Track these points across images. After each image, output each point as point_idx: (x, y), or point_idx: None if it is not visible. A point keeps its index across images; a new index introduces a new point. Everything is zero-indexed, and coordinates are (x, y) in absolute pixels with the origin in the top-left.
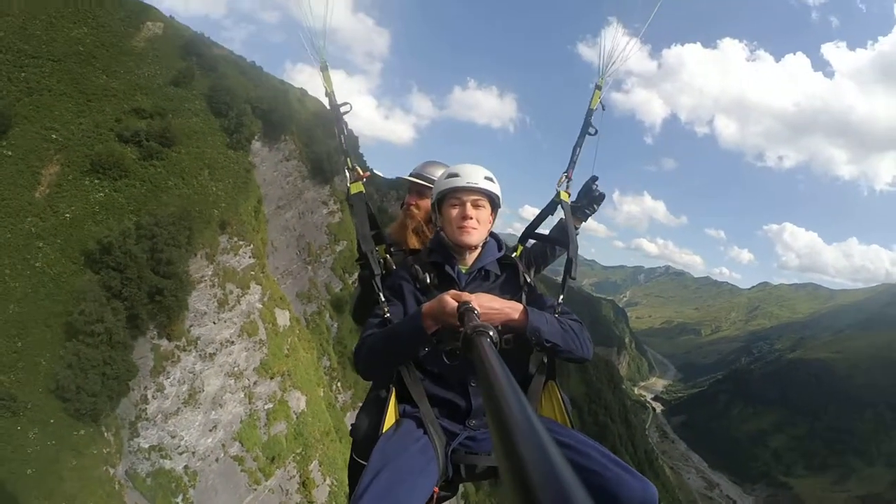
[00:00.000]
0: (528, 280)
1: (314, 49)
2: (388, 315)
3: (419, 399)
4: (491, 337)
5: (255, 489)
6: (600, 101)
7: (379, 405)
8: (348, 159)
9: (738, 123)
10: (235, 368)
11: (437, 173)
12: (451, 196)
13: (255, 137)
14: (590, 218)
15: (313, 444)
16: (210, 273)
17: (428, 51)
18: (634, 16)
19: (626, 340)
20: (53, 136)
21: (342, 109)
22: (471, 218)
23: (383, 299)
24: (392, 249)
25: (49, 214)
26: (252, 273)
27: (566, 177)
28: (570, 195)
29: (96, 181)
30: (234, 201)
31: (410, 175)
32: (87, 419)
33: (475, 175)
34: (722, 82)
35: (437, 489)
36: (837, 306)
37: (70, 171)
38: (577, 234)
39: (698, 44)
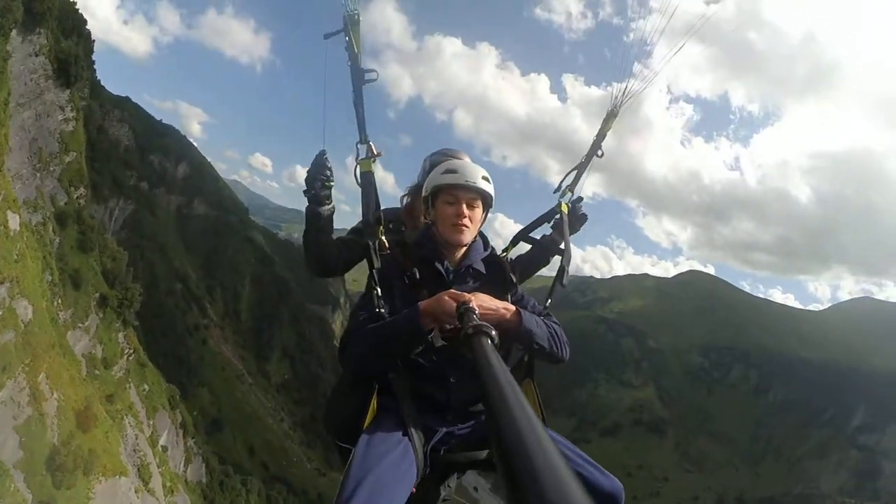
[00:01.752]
0: (514, 279)
1: None
2: (382, 310)
3: (402, 395)
4: (492, 338)
5: None
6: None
7: (360, 396)
8: (364, 135)
9: (474, 118)
10: None
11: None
12: (447, 193)
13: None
14: None
15: (41, 356)
16: None
17: None
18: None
19: (341, 300)
20: None
21: (366, 77)
22: (466, 217)
23: (379, 293)
24: (391, 226)
25: None
26: None
27: (570, 191)
28: (569, 208)
29: None
30: None
31: (441, 158)
32: None
33: (474, 174)
34: (470, 79)
35: (414, 489)
36: (531, 289)
37: None
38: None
39: (460, 39)
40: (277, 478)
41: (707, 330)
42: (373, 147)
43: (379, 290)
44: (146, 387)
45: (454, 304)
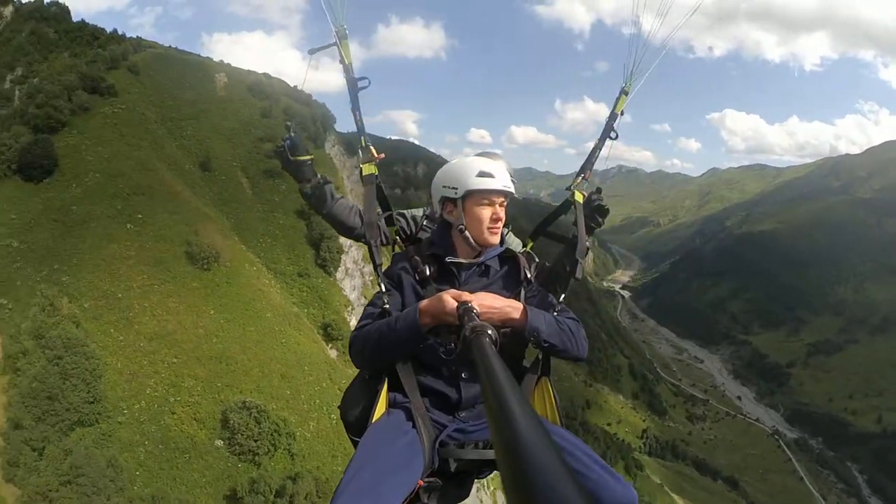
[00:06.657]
0: (529, 275)
1: (332, 16)
2: (388, 306)
3: (410, 390)
4: (490, 336)
5: None
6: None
7: (370, 391)
8: (363, 138)
9: (662, 20)
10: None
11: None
12: (482, 196)
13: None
14: (536, 131)
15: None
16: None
17: None
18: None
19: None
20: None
21: (359, 85)
22: (501, 220)
23: (384, 289)
24: (425, 224)
25: None
26: None
27: (583, 178)
28: (584, 196)
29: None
30: None
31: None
32: None
33: (507, 177)
34: None
35: (421, 481)
36: (783, 183)
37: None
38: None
39: None
40: None
41: None
42: (373, 150)
43: (383, 286)
44: None
45: (454, 304)
